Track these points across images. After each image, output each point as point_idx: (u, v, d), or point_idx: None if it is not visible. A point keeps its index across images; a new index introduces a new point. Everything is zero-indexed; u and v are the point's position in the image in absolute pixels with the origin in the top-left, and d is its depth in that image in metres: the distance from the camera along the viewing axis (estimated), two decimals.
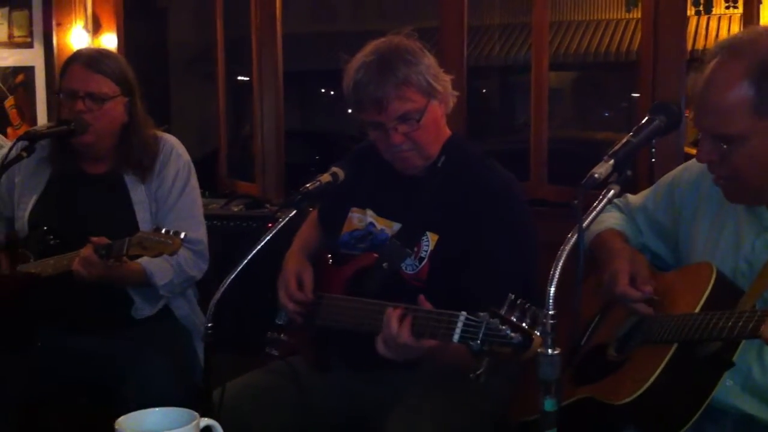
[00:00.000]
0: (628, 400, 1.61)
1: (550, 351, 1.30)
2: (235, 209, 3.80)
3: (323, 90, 13.80)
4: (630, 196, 2.04)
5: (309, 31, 10.65)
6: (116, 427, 1.24)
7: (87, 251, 2.22)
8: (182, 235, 2.10)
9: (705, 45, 10.29)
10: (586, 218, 1.36)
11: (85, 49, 2.55)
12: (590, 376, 1.77)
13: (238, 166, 5.05)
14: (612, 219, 2.01)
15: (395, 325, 1.76)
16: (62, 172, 2.53)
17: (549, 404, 1.30)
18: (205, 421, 1.30)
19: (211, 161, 5.04)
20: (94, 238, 2.23)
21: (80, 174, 2.53)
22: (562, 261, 1.30)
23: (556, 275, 1.30)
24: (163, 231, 2.12)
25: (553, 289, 1.29)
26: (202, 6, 10.56)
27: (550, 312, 1.29)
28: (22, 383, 2.32)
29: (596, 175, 1.38)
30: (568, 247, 1.32)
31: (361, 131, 2.16)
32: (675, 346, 1.62)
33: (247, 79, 7.48)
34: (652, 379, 1.60)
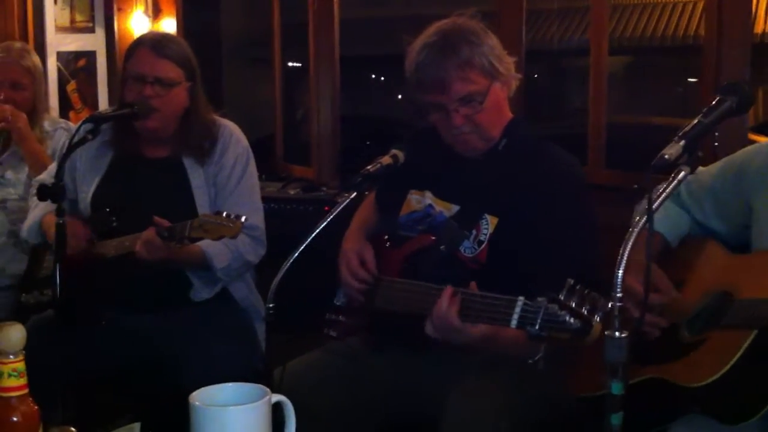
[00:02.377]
0: (703, 383, 1.58)
1: (617, 334, 1.29)
2: (292, 192, 3.85)
3: (374, 75, 13.79)
4: (701, 173, 1.99)
5: (361, 16, 10.63)
6: (190, 401, 1.27)
7: (149, 233, 2.25)
8: (243, 219, 2.12)
9: (764, 29, 10.03)
10: (656, 200, 1.34)
11: (151, 33, 2.59)
12: (659, 357, 1.75)
13: (291, 150, 5.09)
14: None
15: (445, 303, 1.77)
16: (123, 156, 2.56)
17: (616, 387, 1.29)
18: (276, 397, 1.32)
19: (264, 145, 5.08)
20: (157, 219, 2.27)
21: (140, 158, 2.56)
22: (630, 243, 1.29)
23: (624, 258, 1.29)
24: (224, 214, 2.14)
25: (621, 272, 1.28)
26: None
27: (617, 294, 1.28)
28: (84, 362, 2.36)
29: (666, 156, 1.36)
30: (636, 230, 1.31)
31: (414, 115, 2.16)
32: (755, 332, 1.59)
33: (299, 65, 7.53)
34: (730, 365, 1.57)
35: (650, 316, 1.78)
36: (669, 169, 1.38)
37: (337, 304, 2.25)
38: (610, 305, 1.29)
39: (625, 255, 1.28)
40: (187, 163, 2.53)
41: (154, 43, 2.47)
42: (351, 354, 2.13)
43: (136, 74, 2.44)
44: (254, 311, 2.61)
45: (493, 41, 2.03)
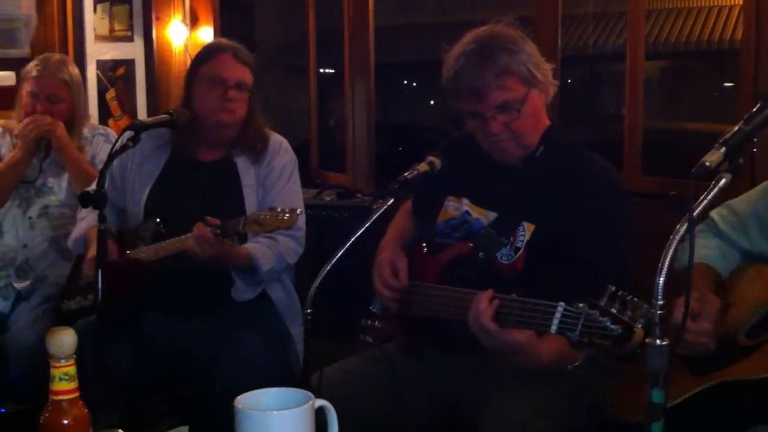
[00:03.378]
0: None
1: (658, 341, 1.29)
2: (327, 199, 3.88)
3: (405, 81, 13.81)
4: (736, 204, 2.01)
5: (392, 22, 10.67)
6: (235, 405, 1.29)
7: (202, 229, 2.32)
8: (298, 211, 2.22)
9: None
10: (696, 208, 1.33)
11: (224, 41, 2.69)
12: (718, 365, 1.74)
13: (324, 156, 5.13)
14: (704, 250, 1.97)
15: (483, 304, 1.78)
16: (176, 160, 2.65)
17: (657, 395, 1.29)
18: (319, 402, 1.34)
19: (298, 153, 5.10)
20: (208, 218, 2.33)
21: (194, 161, 2.65)
22: (672, 251, 1.28)
23: (666, 265, 1.28)
24: (279, 209, 2.22)
25: (662, 280, 1.27)
26: (287, 0, 10.70)
27: (659, 302, 1.28)
28: (128, 367, 2.41)
29: (707, 164, 1.35)
30: (678, 237, 1.31)
31: (450, 122, 2.16)
32: None
33: (331, 71, 7.57)
34: None
35: (698, 337, 1.77)
36: (710, 176, 1.37)
37: (374, 310, 2.26)
38: (650, 312, 1.29)
39: (666, 262, 1.28)
40: (239, 162, 2.63)
41: (233, 49, 2.60)
42: (388, 360, 2.14)
43: (218, 78, 2.56)
44: (288, 313, 2.65)
45: (530, 48, 2.03)
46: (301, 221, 2.61)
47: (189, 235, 2.36)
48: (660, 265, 1.28)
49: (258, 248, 2.48)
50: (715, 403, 1.71)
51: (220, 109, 2.56)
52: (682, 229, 1.32)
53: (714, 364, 1.76)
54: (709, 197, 1.35)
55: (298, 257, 2.62)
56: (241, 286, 2.56)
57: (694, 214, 1.31)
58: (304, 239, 2.63)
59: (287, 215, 2.20)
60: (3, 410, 3.00)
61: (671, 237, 1.31)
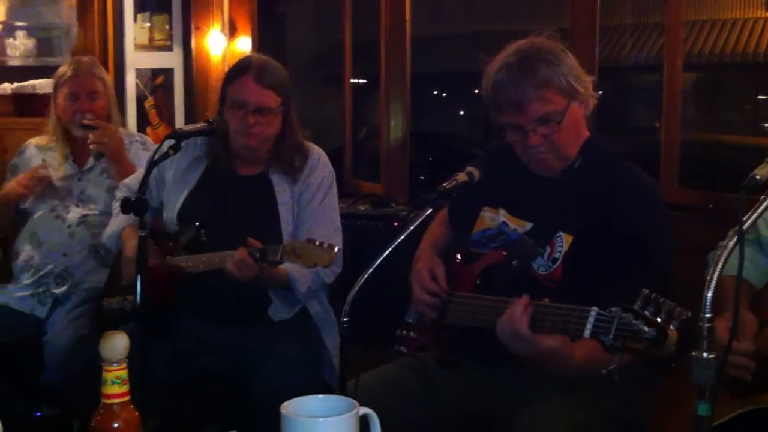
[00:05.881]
0: None
1: (705, 354, 1.28)
2: (362, 208, 3.88)
3: (435, 92, 13.82)
4: None
5: (423, 33, 10.71)
6: (281, 411, 1.30)
7: (242, 254, 2.32)
8: (336, 249, 2.18)
9: None
10: (747, 220, 1.32)
11: (255, 59, 2.61)
12: (757, 389, 1.72)
13: (355, 166, 5.16)
14: (735, 260, 1.95)
15: (519, 310, 1.77)
16: (215, 171, 2.65)
17: (703, 408, 1.28)
18: (363, 410, 1.34)
19: (332, 162, 5.12)
20: (251, 240, 2.34)
21: (232, 173, 2.65)
22: (720, 264, 1.28)
23: (714, 280, 1.28)
24: (317, 243, 2.20)
25: (710, 294, 1.27)
26: (319, 11, 10.76)
27: (707, 315, 1.27)
28: (165, 372, 2.43)
29: (758, 177, 1.35)
30: (726, 252, 1.30)
31: (489, 131, 2.16)
32: None
33: (363, 81, 7.59)
34: None
35: (739, 359, 1.75)
36: (759, 190, 1.36)
37: (409, 321, 2.26)
38: (698, 325, 1.28)
39: (715, 276, 1.27)
40: (276, 180, 2.61)
41: (257, 72, 2.52)
42: (423, 369, 2.14)
43: (238, 101, 2.52)
44: (324, 325, 2.65)
45: (571, 61, 2.03)
46: (338, 240, 2.57)
47: (228, 253, 2.36)
48: (708, 278, 1.28)
49: (295, 268, 2.45)
50: (753, 428, 1.69)
51: (243, 131, 2.53)
52: (731, 243, 1.31)
53: (754, 387, 1.73)
54: (759, 210, 1.34)
55: (336, 275, 2.60)
56: (278, 306, 2.57)
57: (744, 227, 1.30)
58: (342, 257, 2.55)
59: (326, 252, 2.18)
60: (39, 414, 3.04)
61: (721, 252, 1.30)
